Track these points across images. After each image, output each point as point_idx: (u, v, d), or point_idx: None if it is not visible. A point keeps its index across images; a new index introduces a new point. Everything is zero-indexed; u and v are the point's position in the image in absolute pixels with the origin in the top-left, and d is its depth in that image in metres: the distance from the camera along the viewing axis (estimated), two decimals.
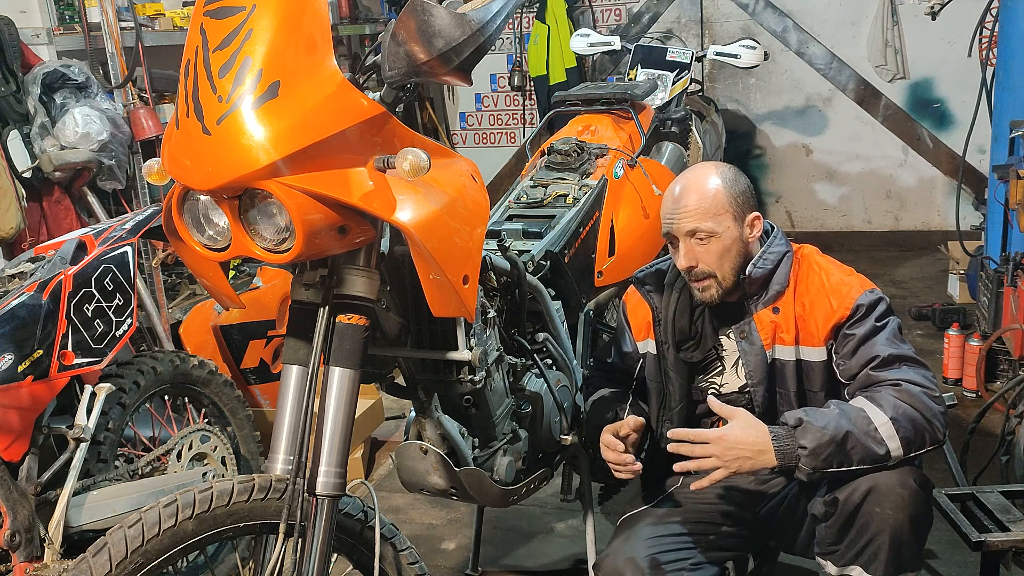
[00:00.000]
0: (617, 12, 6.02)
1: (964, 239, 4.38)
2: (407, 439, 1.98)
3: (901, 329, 1.84)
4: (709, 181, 1.88)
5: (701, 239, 1.86)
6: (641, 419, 1.93)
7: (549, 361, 2.22)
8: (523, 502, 2.14)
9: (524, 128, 6.35)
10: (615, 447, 1.88)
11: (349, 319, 1.53)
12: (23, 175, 3.47)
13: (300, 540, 1.50)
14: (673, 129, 3.85)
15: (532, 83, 5.98)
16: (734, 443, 1.70)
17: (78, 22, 3.92)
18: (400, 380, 1.96)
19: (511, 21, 5.91)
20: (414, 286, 1.69)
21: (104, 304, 2.19)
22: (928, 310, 4.35)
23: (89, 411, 2.11)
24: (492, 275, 2.05)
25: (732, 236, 1.86)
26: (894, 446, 1.67)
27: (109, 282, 2.21)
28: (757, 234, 1.90)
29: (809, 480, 1.71)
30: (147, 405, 2.44)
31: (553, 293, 2.33)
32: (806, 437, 1.68)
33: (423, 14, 1.45)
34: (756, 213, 1.90)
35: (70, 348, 2.10)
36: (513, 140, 6.45)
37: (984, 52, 4.26)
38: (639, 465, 1.87)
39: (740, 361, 1.93)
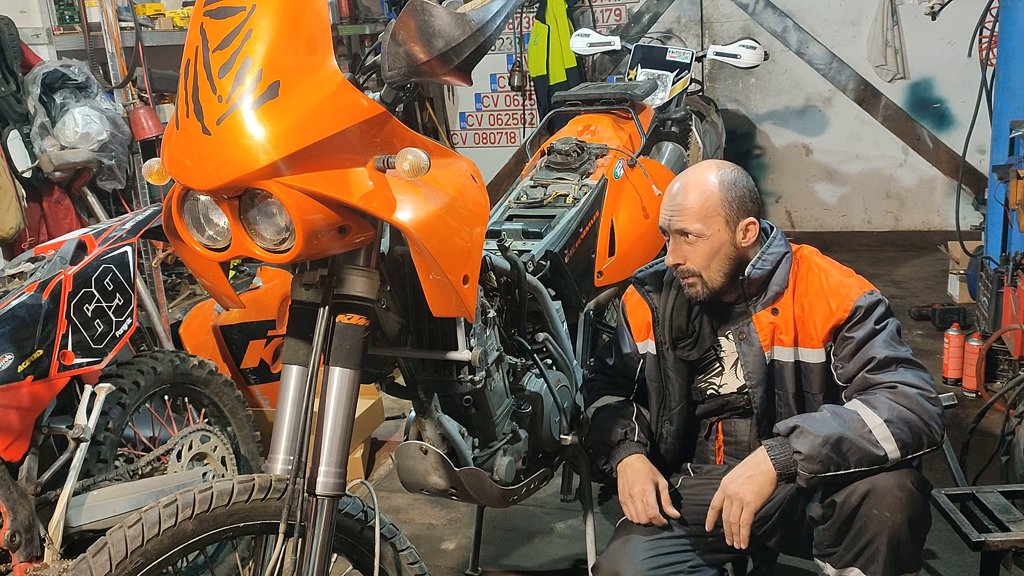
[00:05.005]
0: (617, 12, 6.02)
1: (964, 239, 4.38)
2: (407, 439, 1.98)
3: (900, 331, 1.84)
4: (705, 182, 1.87)
5: (689, 239, 1.86)
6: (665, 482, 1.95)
7: (549, 361, 2.22)
8: (523, 502, 2.13)
9: (524, 128, 6.35)
10: (651, 506, 1.89)
11: (349, 319, 1.53)
12: (23, 175, 3.47)
13: (300, 540, 1.49)
14: (673, 129, 3.86)
15: (532, 83, 5.98)
16: (733, 478, 1.73)
17: (78, 22, 3.92)
18: (400, 380, 1.96)
19: (511, 21, 5.91)
20: (414, 286, 1.69)
21: (104, 304, 2.19)
22: (928, 310, 4.35)
23: (89, 411, 2.11)
24: (492, 275, 2.05)
25: (721, 239, 1.86)
26: (890, 448, 1.67)
27: (109, 282, 2.21)
28: (751, 239, 1.88)
29: (809, 486, 1.71)
30: (147, 405, 2.44)
31: (553, 293, 2.33)
32: (800, 443, 1.68)
33: (423, 14, 1.45)
34: (751, 219, 1.88)
35: (70, 348, 2.10)
36: (513, 140, 6.45)
37: (984, 52, 4.25)
38: (663, 520, 1.89)
39: (739, 362, 1.93)
